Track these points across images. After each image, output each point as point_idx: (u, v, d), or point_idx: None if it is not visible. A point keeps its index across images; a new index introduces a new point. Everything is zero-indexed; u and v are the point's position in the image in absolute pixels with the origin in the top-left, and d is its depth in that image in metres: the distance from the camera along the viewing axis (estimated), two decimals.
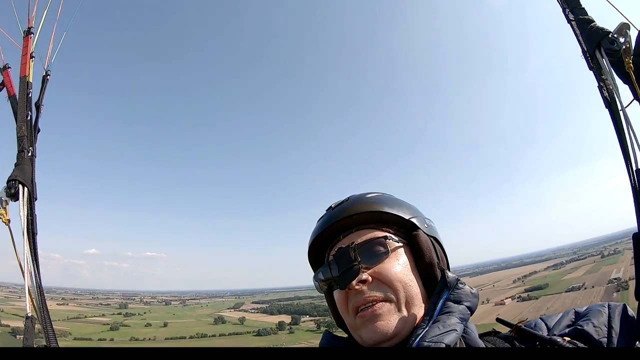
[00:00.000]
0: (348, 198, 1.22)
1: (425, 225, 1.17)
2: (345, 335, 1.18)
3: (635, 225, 0.98)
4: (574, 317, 1.13)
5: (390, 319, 0.99)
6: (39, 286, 1.44)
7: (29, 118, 1.64)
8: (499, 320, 1.21)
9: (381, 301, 1.01)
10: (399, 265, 1.06)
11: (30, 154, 1.60)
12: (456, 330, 0.92)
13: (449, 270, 1.13)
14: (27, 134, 1.61)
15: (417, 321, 1.01)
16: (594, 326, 1.03)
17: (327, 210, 1.22)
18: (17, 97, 1.65)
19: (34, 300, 1.41)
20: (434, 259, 1.11)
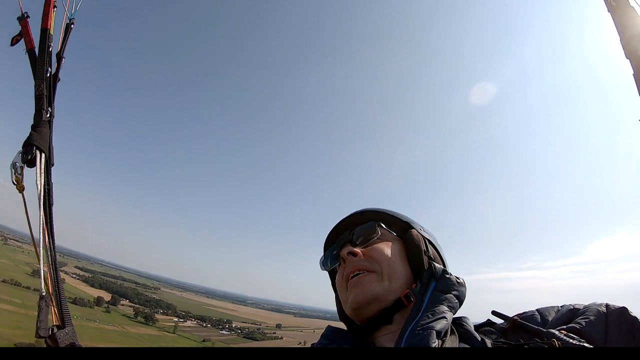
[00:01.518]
0: None
1: (421, 229, 1.29)
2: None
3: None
4: (571, 313, 1.11)
5: (372, 284, 1.11)
6: (54, 262, 1.32)
7: (48, 75, 1.47)
8: (494, 312, 1.23)
9: (367, 271, 1.15)
10: (388, 248, 1.19)
11: (48, 115, 1.45)
12: (445, 317, 0.98)
13: (446, 266, 1.24)
14: (47, 93, 1.45)
15: (399, 295, 1.10)
16: (592, 323, 1.02)
17: None
18: (37, 50, 1.48)
19: (49, 277, 1.29)
20: (422, 248, 1.20)
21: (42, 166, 1.36)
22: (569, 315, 1.11)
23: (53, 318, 1.24)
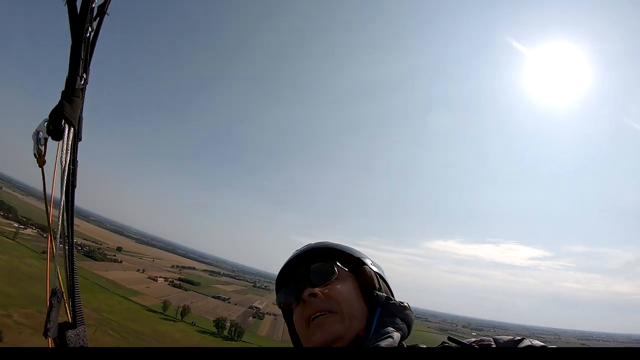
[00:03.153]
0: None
1: (372, 264, 1.38)
2: None
3: None
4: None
5: (335, 326, 1.18)
6: (72, 253, 1.19)
7: (88, 34, 1.27)
8: (450, 339, 1.21)
9: (328, 312, 1.21)
10: (345, 287, 1.27)
11: (82, 82, 1.26)
12: (391, 336, 1.08)
13: (393, 297, 1.34)
14: (84, 55, 1.26)
15: (358, 331, 1.19)
16: None
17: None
18: (78, 4, 1.26)
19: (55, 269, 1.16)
20: (375, 285, 1.31)
21: (70, 142, 1.19)
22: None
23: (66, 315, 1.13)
